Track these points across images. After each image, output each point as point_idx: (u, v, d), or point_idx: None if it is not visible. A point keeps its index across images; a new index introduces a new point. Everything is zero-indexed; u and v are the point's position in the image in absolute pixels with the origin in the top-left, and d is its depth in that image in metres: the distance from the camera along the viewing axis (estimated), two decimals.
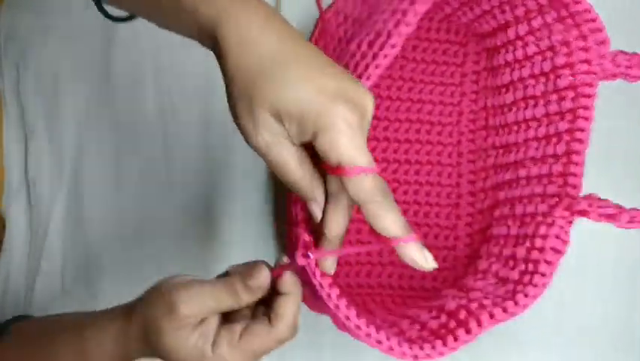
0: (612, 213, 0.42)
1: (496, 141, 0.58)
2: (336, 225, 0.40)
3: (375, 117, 0.60)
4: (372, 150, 0.60)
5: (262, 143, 0.36)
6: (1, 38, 0.63)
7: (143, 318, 0.40)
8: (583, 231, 0.64)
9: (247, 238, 0.62)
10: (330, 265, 0.41)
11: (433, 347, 0.44)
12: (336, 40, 0.57)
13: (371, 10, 0.52)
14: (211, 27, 0.36)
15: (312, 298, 0.47)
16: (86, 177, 0.63)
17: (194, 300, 0.38)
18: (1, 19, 0.63)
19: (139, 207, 0.63)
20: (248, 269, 0.39)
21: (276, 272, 0.40)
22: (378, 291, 0.58)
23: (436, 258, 0.61)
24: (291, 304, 0.40)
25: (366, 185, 0.36)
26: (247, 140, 0.37)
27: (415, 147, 0.61)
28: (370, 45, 0.46)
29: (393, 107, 0.61)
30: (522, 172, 0.53)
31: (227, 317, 0.40)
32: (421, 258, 0.38)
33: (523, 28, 0.52)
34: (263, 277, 0.38)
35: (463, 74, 0.61)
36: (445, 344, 0.44)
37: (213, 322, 0.39)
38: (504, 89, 0.56)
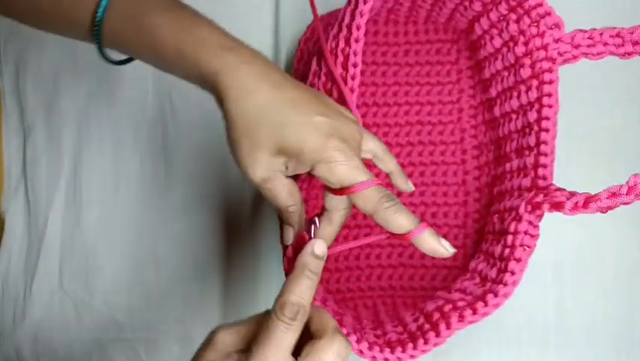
0: (558, 202, 0.40)
1: (492, 135, 0.57)
2: (329, 236, 0.44)
3: (374, 124, 0.62)
4: None
5: (258, 179, 0.41)
6: (1, 38, 0.65)
7: None
8: (583, 231, 0.61)
9: (247, 236, 0.64)
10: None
11: (404, 350, 0.45)
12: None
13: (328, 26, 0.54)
14: (212, 77, 0.40)
15: None
16: (84, 176, 0.64)
17: (232, 328, 0.38)
18: (1, 19, 0.66)
19: (137, 207, 0.65)
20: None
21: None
22: (369, 294, 0.59)
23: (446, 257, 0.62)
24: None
25: (371, 197, 0.40)
26: (245, 175, 0.42)
27: (418, 149, 0.62)
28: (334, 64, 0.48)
29: (391, 113, 0.62)
30: (508, 166, 0.52)
31: None
32: (437, 245, 0.42)
33: (485, 22, 0.51)
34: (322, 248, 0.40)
35: (458, 71, 0.61)
36: (415, 346, 0.45)
37: None
38: (488, 83, 0.55)
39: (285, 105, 0.40)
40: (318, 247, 0.39)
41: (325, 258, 0.40)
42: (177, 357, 0.64)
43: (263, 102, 0.40)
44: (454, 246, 0.60)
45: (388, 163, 0.50)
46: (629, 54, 0.43)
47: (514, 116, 0.51)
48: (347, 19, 0.47)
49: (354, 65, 0.46)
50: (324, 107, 0.42)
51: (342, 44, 0.47)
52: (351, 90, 0.45)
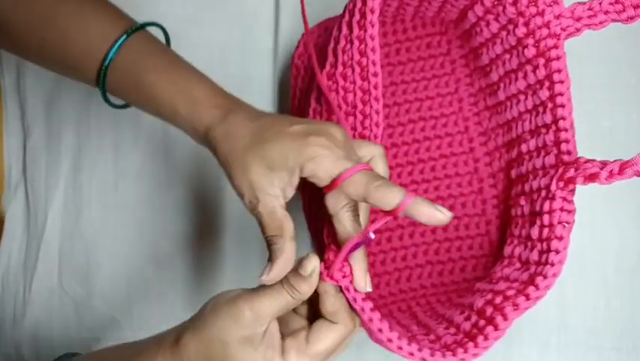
0: (593, 173, 0.40)
1: (499, 120, 0.57)
2: (349, 228, 0.43)
3: None
4: None
5: (247, 201, 0.42)
6: None
7: (200, 339, 0.40)
8: (585, 229, 0.62)
9: (246, 237, 0.63)
10: (364, 284, 0.44)
11: (465, 351, 0.44)
12: (309, 72, 0.59)
13: (326, 42, 0.53)
14: (205, 134, 0.44)
15: None
16: (84, 175, 0.64)
17: (256, 305, 0.40)
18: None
19: (137, 206, 0.64)
20: (297, 264, 0.41)
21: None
22: (401, 297, 0.59)
23: (472, 247, 0.61)
24: (341, 296, 0.42)
25: (360, 180, 0.41)
26: (244, 205, 0.43)
27: (425, 145, 0.62)
28: (344, 78, 0.48)
29: (392, 113, 0.62)
30: (524, 147, 0.52)
31: (285, 329, 0.42)
32: (433, 210, 0.40)
33: (479, 9, 0.51)
34: (313, 263, 0.41)
35: (452, 61, 0.61)
36: (476, 345, 0.44)
37: (276, 333, 0.41)
38: (488, 69, 0.55)
39: (264, 128, 0.43)
40: (304, 268, 0.40)
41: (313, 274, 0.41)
42: None
43: (246, 133, 0.42)
44: (478, 235, 0.61)
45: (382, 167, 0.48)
46: (632, 18, 0.44)
47: (522, 97, 0.51)
48: (356, 31, 0.46)
49: (375, 75, 0.47)
50: (299, 120, 0.44)
51: (357, 57, 0.47)
52: (376, 99, 0.45)
